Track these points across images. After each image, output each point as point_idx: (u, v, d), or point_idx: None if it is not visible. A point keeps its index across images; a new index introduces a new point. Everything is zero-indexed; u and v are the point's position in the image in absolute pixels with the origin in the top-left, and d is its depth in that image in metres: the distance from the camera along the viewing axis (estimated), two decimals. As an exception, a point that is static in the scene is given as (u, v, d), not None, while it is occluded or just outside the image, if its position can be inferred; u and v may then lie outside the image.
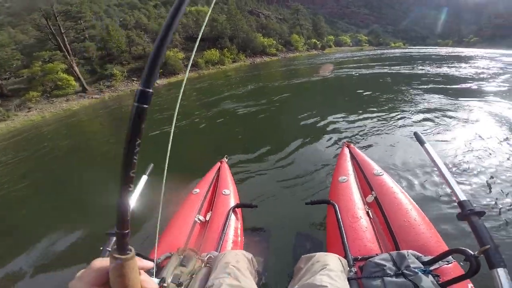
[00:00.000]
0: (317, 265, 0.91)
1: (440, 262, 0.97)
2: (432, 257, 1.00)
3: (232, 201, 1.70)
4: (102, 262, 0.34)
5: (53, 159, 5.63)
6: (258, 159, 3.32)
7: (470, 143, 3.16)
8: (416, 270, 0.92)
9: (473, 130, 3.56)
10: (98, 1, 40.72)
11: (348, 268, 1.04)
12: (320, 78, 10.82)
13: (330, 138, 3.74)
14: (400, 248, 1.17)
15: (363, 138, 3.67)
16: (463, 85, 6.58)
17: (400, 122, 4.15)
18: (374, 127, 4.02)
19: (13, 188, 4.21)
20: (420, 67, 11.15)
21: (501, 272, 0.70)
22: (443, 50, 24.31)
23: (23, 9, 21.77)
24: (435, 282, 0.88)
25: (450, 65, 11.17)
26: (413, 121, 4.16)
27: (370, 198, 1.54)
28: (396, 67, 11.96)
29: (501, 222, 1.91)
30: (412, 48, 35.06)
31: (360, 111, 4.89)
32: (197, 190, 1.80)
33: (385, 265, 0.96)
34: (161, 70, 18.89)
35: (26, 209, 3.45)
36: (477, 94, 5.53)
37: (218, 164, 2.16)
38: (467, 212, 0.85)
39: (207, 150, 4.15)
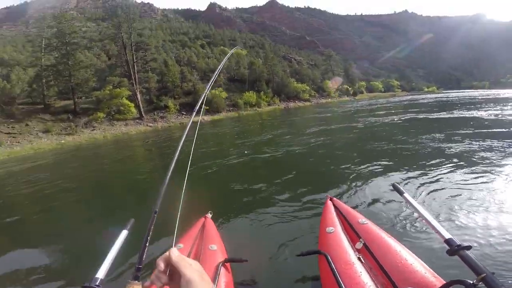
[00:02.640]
0: None
1: None
2: None
3: (220, 257, 1.66)
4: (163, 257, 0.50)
5: (99, 176, 6.87)
6: (244, 212, 3.34)
7: (454, 191, 3.40)
8: None
9: (461, 178, 3.80)
10: (156, 36, 46.66)
11: None
12: (346, 125, 11.56)
13: (315, 191, 3.89)
14: (399, 287, 1.19)
15: (349, 191, 3.82)
16: (484, 131, 6.67)
17: (389, 173, 4.39)
18: (361, 178, 4.24)
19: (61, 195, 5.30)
20: (451, 113, 11.48)
21: None
22: (479, 93, 23.31)
23: (105, 36, 25.67)
24: None
25: (483, 109, 11.28)
26: (403, 173, 4.36)
27: (359, 245, 1.57)
28: (427, 114, 12.28)
29: (484, 255, 2.08)
30: (446, 93, 33.43)
31: (357, 163, 5.10)
32: (181, 245, 1.73)
33: None
34: (208, 107, 21.33)
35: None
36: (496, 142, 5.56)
37: (202, 219, 2.12)
38: (455, 248, 0.91)
39: (190, 204, 4.32)
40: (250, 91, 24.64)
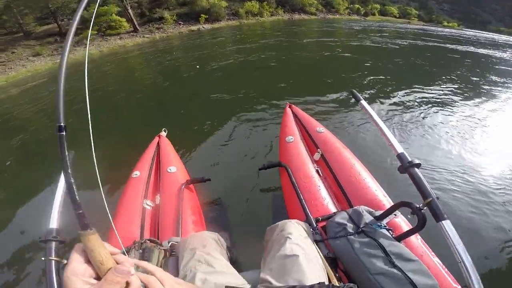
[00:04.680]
0: (281, 235, 0.92)
1: (390, 216, 1.02)
2: (382, 211, 1.04)
3: (181, 178, 1.55)
4: (80, 245, 0.42)
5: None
6: (201, 128, 3.07)
7: (411, 105, 3.39)
8: (373, 226, 0.96)
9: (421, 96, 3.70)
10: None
11: (312, 231, 1.05)
12: (345, 40, 10.66)
13: (276, 101, 3.64)
14: (353, 204, 1.21)
15: (310, 97, 3.64)
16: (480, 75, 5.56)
17: (364, 86, 4.20)
18: (330, 87, 4.04)
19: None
20: (463, 46, 10.50)
21: (446, 224, 0.75)
22: (503, 38, 19.79)
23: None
24: (391, 237, 0.92)
25: (497, 50, 10.02)
26: (361, 85, 4.23)
27: (317, 156, 1.55)
28: (435, 43, 11.14)
29: (435, 175, 2.07)
30: (465, 31, 28.60)
31: (334, 74, 4.86)
32: (137, 172, 1.58)
33: (345, 224, 1.00)
34: (206, 16, 19.50)
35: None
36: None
37: (156, 139, 1.92)
38: (407, 165, 0.89)
39: (143, 122, 3.63)
40: (252, 1, 22.13)
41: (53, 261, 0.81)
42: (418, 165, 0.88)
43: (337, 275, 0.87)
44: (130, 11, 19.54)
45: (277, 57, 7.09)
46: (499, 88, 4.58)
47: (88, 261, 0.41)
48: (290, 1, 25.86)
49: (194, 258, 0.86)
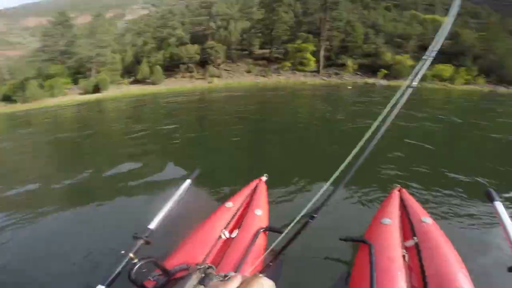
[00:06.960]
0: None
1: None
2: None
3: (261, 223, 1.65)
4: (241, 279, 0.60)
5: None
6: (303, 181, 3.20)
7: None
8: None
9: None
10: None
11: None
12: None
13: (383, 178, 3.42)
14: None
15: (419, 184, 3.18)
16: None
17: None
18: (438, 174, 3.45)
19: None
20: None
21: None
22: None
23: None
24: None
25: None
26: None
27: (409, 243, 1.43)
28: None
29: None
30: None
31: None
32: (230, 203, 1.75)
33: None
34: (387, 72, 20.24)
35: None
36: None
37: (256, 181, 2.09)
38: None
39: (249, 165, 4.11)
40: (446, 64, 19.99)
41: (128, 257, 0.90)
42: None
43: None
44: (322, 53, 23.48)
45: (437, 137, 6.08)
46: None
47: None
48: (500, 71, 20.92)
49: None
